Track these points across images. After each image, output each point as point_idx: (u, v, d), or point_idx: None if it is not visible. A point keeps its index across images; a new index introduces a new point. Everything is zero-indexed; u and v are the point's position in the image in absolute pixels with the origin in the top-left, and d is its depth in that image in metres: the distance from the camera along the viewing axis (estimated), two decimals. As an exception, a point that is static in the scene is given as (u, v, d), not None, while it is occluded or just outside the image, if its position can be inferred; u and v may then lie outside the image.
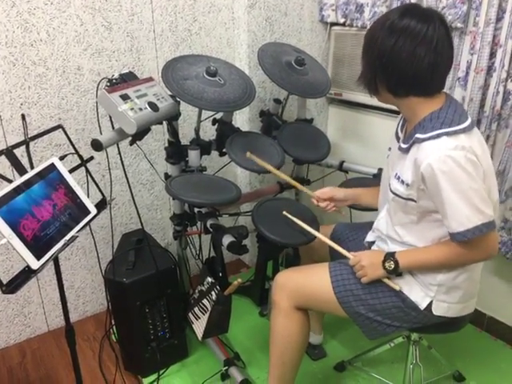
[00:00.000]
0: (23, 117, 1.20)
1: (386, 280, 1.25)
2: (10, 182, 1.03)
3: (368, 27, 1.18)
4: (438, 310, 1.23)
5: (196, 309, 1.63)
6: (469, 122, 1.10)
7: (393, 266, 1.20)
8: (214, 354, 1.80)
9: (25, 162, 1.14)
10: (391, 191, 1.21)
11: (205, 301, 1.56)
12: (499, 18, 1.54)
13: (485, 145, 1.15)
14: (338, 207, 1.48)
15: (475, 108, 1.64)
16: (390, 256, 1.21)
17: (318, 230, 1.47)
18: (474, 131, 1.12)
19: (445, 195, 1.06)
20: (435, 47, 1.07)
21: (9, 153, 1.09)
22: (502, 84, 1.58)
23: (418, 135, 1.11)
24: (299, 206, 1.65)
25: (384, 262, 1.21)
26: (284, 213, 1.45)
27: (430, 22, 1.07)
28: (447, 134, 1.07)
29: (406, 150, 1.16)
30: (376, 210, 1.43)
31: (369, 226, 1.43)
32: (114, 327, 1.81)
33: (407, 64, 1.08)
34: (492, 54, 1.58)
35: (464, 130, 1.08)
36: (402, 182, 1.16)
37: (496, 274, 1.85)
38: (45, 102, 1.74)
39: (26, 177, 1.06)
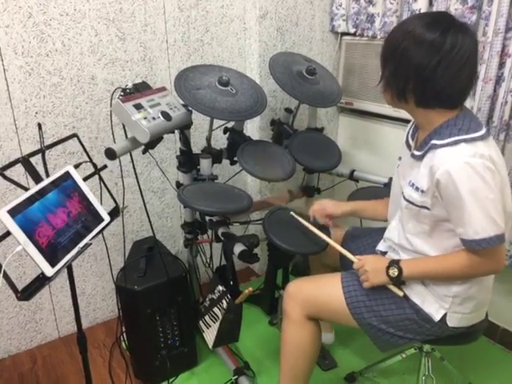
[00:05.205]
0: (39, 126, 1.22)
1: (390, 286, 1.24)
2: (26, 189, 1.04)
3: (391, 37, 1.12)
4: (451, 322, 1.22)
5: (207, 317, 1.63)
6: (484, 130, 1.10)
7: (396, 273, 1.19)
8: (223, 362, 1.80)
9: (39, 169, 1.15)
10: (405, 199, 1.20)
11: (216, 309, 1.56)
12: (509, 28, 1.54)
13: (500, 154, 1.14)
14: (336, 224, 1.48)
15: (483, 118, 1.63)
16: (394, 263, 1.20)
17: (329, 236, 1.46)
18: (490, 139, 1.12)
19: (462, 202, 1.05)
20: (474, 65, 1.08)
21: (25, 161, 1.11)
22: (511, 94, 1.57)
23: (434, 141, 1.10)
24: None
25: (388, 268, 1.20)
26: (291, 213, 1.42)
27: (472, 40, 1.06)
28: (465, 140, 1.06)
29: (421, 157, 1.15)
30: (380, 221, 1.43)
31: (382, 230, 1.42)
32: (125, 334, 1.82)
33: (448, 82, 1.07)
34: (502, 64, 1.58)
35: (482, 138, 1.07)
36: (417, 188, 1.15)
37: (509, 285, 1.82)
38: (59, 111, 1.77)
39: (41, 185, 1.07)
